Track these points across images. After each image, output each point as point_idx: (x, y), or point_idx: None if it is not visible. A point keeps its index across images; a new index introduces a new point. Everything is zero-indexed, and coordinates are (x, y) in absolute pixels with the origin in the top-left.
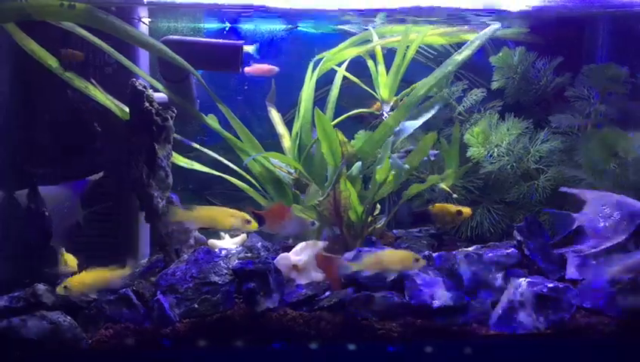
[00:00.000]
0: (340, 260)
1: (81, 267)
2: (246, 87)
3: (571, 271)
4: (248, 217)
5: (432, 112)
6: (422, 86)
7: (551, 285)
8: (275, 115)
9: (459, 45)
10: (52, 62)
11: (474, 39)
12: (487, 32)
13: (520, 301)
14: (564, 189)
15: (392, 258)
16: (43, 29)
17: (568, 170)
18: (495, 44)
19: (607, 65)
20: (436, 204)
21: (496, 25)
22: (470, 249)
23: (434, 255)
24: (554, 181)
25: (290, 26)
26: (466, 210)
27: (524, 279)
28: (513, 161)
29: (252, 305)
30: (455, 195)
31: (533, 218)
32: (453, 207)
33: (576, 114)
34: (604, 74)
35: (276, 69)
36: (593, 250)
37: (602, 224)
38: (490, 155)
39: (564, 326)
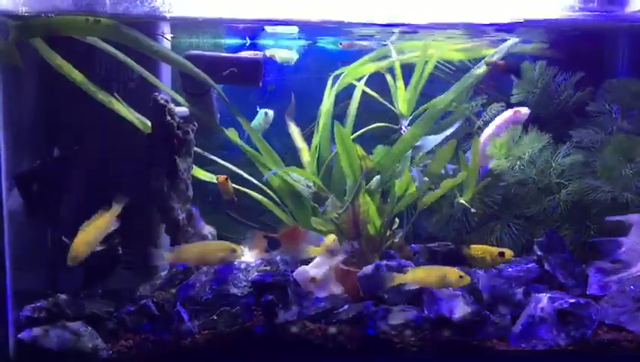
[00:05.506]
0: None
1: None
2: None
3: (593, 287)
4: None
5: (452, 129)
6: (441, 100)
7: (572, 300)
8: (294, 130)
9: (478, 60)
10: (77, 76)
11: (493, 53)
12: (505, 46)
13: (541, 316)
14: (609, 218)
15: None
16: None
17: (588, 180)
18: (513, 59)
19: (629, 80)
20: (473, 246)
21: (515, 39)
22: None
23: None
24: (575, 195)
25: (309, 41)
26: (509, 252)
27: (544, 294)
28: (534, 173)
29: (271, 317)
30: (473, 210)
31: (553, 233)
32: (493, 249)
33: (597, 129)
34: (626, 89)
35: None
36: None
37: None
38: (512, 168)
39: (586, 342)
